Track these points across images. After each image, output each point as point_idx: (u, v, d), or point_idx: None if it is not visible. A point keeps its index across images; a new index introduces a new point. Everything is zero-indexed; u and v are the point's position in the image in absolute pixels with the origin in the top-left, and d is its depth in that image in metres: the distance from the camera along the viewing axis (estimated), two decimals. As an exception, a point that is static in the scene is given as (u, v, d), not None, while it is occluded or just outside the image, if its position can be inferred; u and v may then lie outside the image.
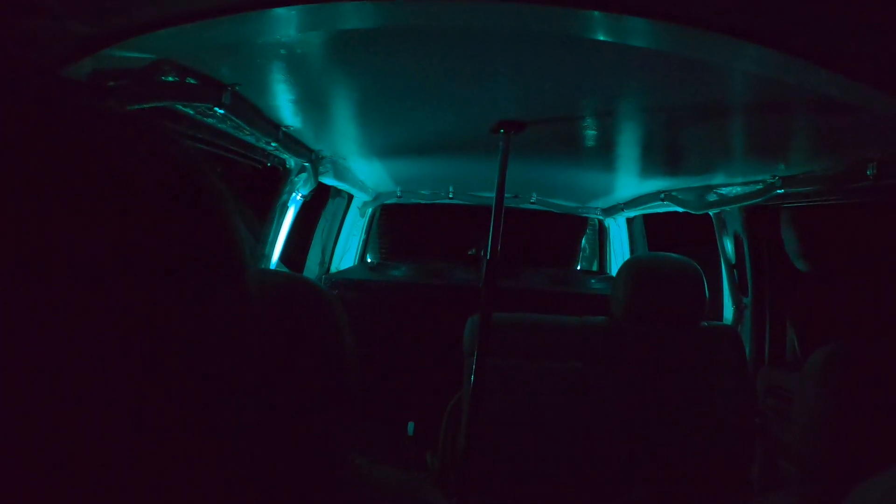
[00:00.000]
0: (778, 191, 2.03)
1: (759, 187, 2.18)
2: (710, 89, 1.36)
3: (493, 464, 2.04)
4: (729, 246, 2.68)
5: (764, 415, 2.39)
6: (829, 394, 1.17)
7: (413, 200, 3.80)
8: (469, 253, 3.31)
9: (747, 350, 2.46)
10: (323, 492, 0.50)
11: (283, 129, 1.81)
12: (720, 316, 2.79)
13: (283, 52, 1.16)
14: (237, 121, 1.43)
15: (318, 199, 3.34)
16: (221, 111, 1.32)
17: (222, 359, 0.38)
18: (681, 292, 2.18)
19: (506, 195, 1.94)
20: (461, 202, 3.74)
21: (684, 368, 2.21)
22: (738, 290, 2.66)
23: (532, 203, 3.75)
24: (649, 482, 2.12)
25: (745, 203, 2.32)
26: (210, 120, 1.43)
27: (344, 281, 2.88)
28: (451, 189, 3.57)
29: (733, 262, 2.67)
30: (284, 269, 3.23)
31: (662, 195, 2.90)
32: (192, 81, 1.20)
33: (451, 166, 2.88)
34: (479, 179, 3.16)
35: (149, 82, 1.06)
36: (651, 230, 3.95)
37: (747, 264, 2.58)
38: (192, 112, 1.34)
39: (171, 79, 1.13)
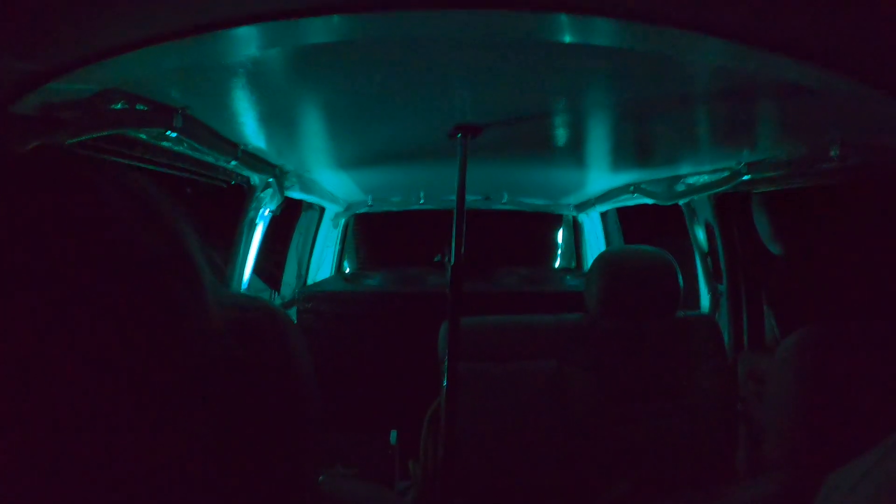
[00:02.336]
0: (744, 177, 2.03)
1: (725, 174, 2.18)
2: (671, 82, 1.35)
3: (474, 468, 2.02)
4: (701, 235, 2.69)
5: (745, 400, 2.40)
6: (800, 378, 1.17)
7: (384, 208, 3.78)
8: (435, 259, 3.27)
9: (725, 337, 2.47)
10: None
11: (242, 147, 1.77)
12: (697, 305, 2.80)
13: (234, 72, 1.13)
14: (192, 143, 1.39)
15: (292, 214, 3.31)
16: (174, 134, 1.29)
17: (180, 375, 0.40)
18: (655, 284, 2.17)
19: (477, 197, 1.93)
20: (432, 207, 3.73)
21: (662, 360, 2.20)
22: (713, 278, 2.67)
23: (504, 203, 3.74)
24: (632, 478, 2.11)
25: (713, 191, 2.32)
26: (165, 143, 1.39)
27: (319, 294, 2.84)
28: (421, 195, 3.55)
29: (706, 250, 2.68)
30: (260, 284, 3.19)
31: (632, 188, 2.91)
32: (142, 108, 1.16)
33: (418, 172, 2.86)
34: (448, 183, 3.13)
35: (97, 112, 1.03)
36: (628, 221, 3.96)
37: (720, 252, 2.59)
38: (145, 137, 1.30)
39: (119, 106, 1.09)
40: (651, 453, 2.12)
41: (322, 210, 3.53)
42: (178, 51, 0.95)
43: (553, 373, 2.12)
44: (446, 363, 1.82)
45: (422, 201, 3.66)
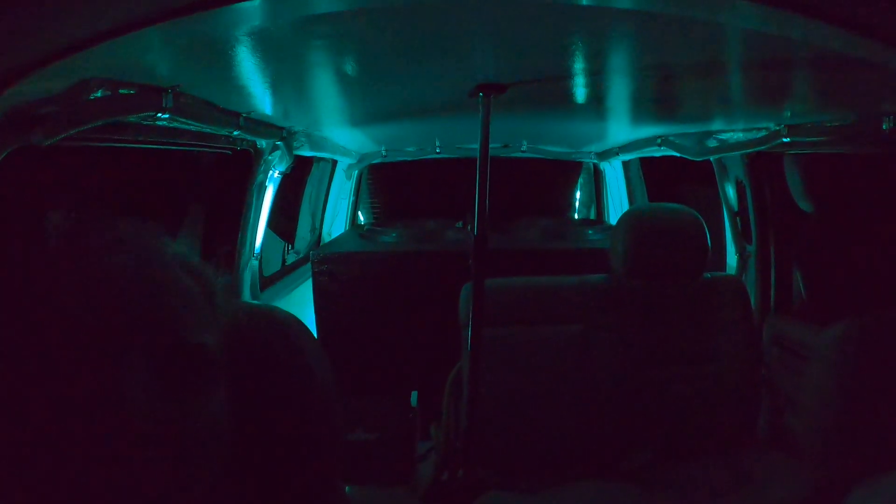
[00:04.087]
0: (784, 139, 1.90)
1: (762, 134, 2.04)
2: (707, 48, 1.24)
3: (497, 434, 1.99)
4: (731, 192, 2.56)
5: (770, 366, 2.33)
6: (840, 377, 1.10)
7: (399, 158, 3.66)
8: (457, 226, 3.18)
9: (752, 300, 2.39)
10: None
11: (245, 115, 1.67)
12: (723, 265, 2.70)
13: (236, 42, 1.02)
14: (187, 120, 1.30)
15: (303, 167, 3.22)
16: (166, 115, 1.19)
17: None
18: (683, 244, 2.08)
19: (495, 145, 1.84)
20: (448, 156, 3.60)
21: (688, 323, 2.13)
22: (742, 238, 2.56)
23: (523, 151, 3.61)
24: (657, 441, 2.08)
25: (749, 150, 2.19)
26: (160, 122, 1.29)
27: (334, 256, 2.76)
28: (437, 143, 3.43)
29: (736, 209, 2.56)
30: (276, 240, 3.13)
31: (659, 140, 2.76)
32: (127, 92, 1.06)
33: (435, 125, 2.74)
34: (465, 133, 3.03)
35: (76, 105, 0.93)
36: (647, 168, 3.82)
37: (750, 211, 2.47)
38: (133, 119, 1.20)
39: (101, 94, 1.00)
40: (674, 419, 2.09)
41: (334, 163, 3.43)
42: (168, 32, 0.85)
43: (578, 337, 2.07)
44: (469, 328, 1.77)
45: (438, 150, 3.54)
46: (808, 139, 1.81)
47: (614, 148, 3.45)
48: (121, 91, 1.06)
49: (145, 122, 1.24)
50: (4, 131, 0.82)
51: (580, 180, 4.32)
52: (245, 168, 2.05)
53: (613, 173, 3.91)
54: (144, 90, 1.12)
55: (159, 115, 1.17)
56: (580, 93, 1.81)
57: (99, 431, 0.38)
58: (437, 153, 3.56)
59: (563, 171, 4.22)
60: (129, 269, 0.45)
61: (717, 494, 1.89)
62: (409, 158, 3.69)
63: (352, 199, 3.89)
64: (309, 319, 2.97)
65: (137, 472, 0.38)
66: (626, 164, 3.78)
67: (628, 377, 2.07)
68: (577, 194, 4.35)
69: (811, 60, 1.22)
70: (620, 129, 2.76)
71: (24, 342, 0.40)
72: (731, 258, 2.66)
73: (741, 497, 1.85)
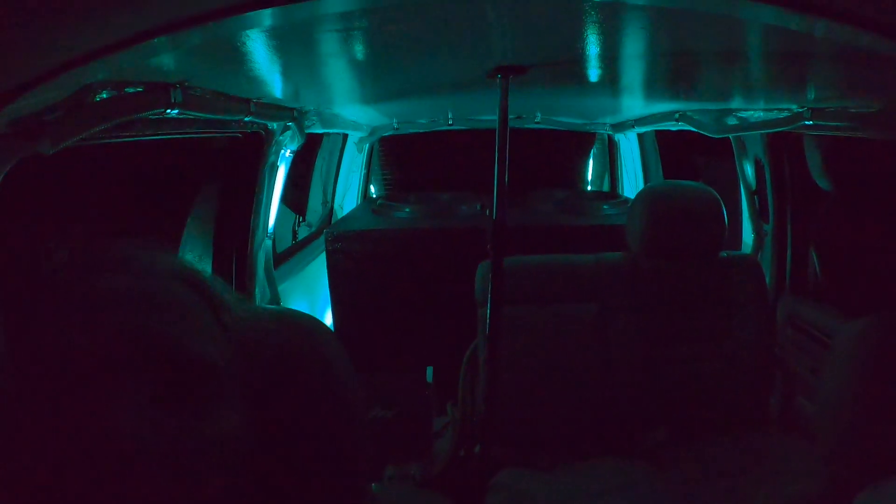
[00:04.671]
0: (807, 122, 1.85)
1: (784, 115, 1.99)
2: (729, 35, 1.20)
3: (514, 413, 2.01)
4: (749, 171, 2.51)
5: (783, 347, 2.32)
6: (858, 374, 1.08)
7: (411, 131, 3.61)
8: (476, 209, 3.15)
9: (767, 279, 2.36)
10: None
11: (255, 101, 1.64)
12: (738, 244, 2.67)
13: (246, 38, 1.00)
14: (196, 113, 1.27)
15: (313, 139, 3.18)
16: (175, 111, 1.17)
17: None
18: (700, 224, 2.06)
19: (509, 117, 1.82)
20: (461, 127, 3.56)
21: (703, 302, 2.13)
22: (759, 217, 2.52)
23: (537, 123, 3.55)
24: (671, 421, 2.08)
25: (770, 130, 2.14)
26: (169, 114, 1.27)
27: (347, 234, 2.74)
28: (449, 115, 3.38)
29: (753, 187, 2.51)
30: (288, 213, 3.11)
31: (677, 115, 2.70)
32: (133, 90, 1.04)
33: (448, 99, 2.70)
34: (478, 106, 2.98)
35: (81, 109, 0.91)
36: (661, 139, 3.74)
37: (769, 190, 2.43)
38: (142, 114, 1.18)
39: (106, 95, 0.98)
40: (688, 398, 2.10)
41: (345, 136, 3.39)
42: (175, 39, 0.82)
43: (593, 316, 2.07)
44: (488, 307, 1.77)
45: (450, 122, 3.49)
46: (831, 123, 1.76)
47: (630, 120, 3.38)
48: (127, 90, 1.04)
49: (153, 117, 1.22)
50: (9, 143, 0.80)
51: (593, 151, 4.25)
52: (256, 150, 2.03)
53: (628, 145, 3.85)
54: (151, 87, 1.10)
55: (168, 111, 1.15)
56: (598, 73, 1.77)
57: (97, 455, 0.38)
58: (450, 125, 3.52)
59: (577, 142, 4.15)
60: (124, 286, 0.45)
61: (728, 474, 1.90)
62: (421, 131, 3.64)
63: (363, 171, 3.85)
64: (323, 296, 2.98)
65: (140, 494, 0.38)
66: (641, 136, 3.71)
67: (643, 356, 2.07)
68: (591, 165, 4.29)
69: (836, 53, 1.18)
70: (637, 103, 2.70)
71: (21, 354, 0.41)
72: (748, 236, 2.62)
73: (753, 478, 1.87)
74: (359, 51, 1.29)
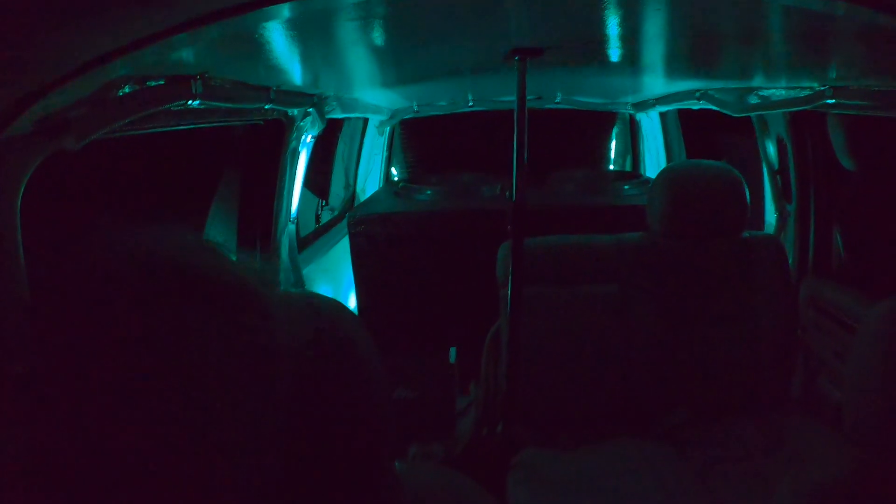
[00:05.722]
0: (828, 100, 1.82)
1: (806, 93, 1.96)
2: (751, 11, 1.19)
3: (535, 392, 2.02)
4: (772, 150, 2.48)
5: (805, 328, 2.30)
6: (885, 357, 1.08)
7: (431, 113, 3.61)
8: (497, 190, 3.16)
9: (790, 260, 2.34)
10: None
11: (275, 88, 1.67)
12: (761, 224, 2.64)
13: (266, 29, 1.02)
14: (217, 103, 1.30)
15: (334, 123, 3.20)
16: (196, 102, 1.20)
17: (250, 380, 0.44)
18: (722, 204, 2.05)
19: (529, 97, 1.82)
20: (481, 108, 3.55)
21: (725, 283, 2.12)
22: (782, 197, 2.49)
23: (557, 103, 3.53)
24: (692, 402, 2.09)
25: (791, 109, 2.11)
26: (191, 105, 1.30)
27: (371, 216, 2.77)
28: (469, 97, 3.38)
29: (776, 167, 2.48)
30: (311, 197, 3.15)
31: (699, 94, 2.67)
32: (155, 84, 1.07)
33: (467, 81, 2.70)
34: (498, 87, 2.97)
35: (104, 104, 0.95)
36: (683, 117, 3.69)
37: (791, 169, 2.40)
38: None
39: (128, 89, 1.01)
40: (709, 379, 2.09)
41: (365, 119, 3.41)
42: (196, 34, 0.85)
43: (615, 297, 2.08)
44: (509, 288, 1.78)
45: (470, 104, 3.48)
46: (853, 102, 1.73)
47: (651, 99, 3.34)
48: (149, 84, 1.07)
49: (175, 109, 1.25)
50: (35, 141, 0.83)
51: (615, 130, 4.22)
52: (278, 137, 2.06)
53: (650, 124, 3.81)
54: (173, 80, 1.13)
55: (189, 102, 1.18)
56: (617, 53, 1.76)
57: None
58: (470, 107, 3.51)
59: (598, 122, 4.12)
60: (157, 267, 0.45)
61: (750, 456, 1.91)
62: (442, 113, 3.64)
63: (384, 154, 3.87)
64: (347, 279, 3.02)
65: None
66: (663, 115, 3.67)
67: (664, 336, 2.07)
68: (612, 145, 4.25)
69: (857, 31, 1.16)
70: (658, 81, 2.68)
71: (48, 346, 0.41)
72: (770, 216, 2.60)
73: (775, 460, 1.87)
74: (377, 36, 1.30)
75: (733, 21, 1.25)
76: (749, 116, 2.54)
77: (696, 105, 2.84)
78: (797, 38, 1.35)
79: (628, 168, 4.19)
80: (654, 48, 1.71)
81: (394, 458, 0.57)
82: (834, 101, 1.80)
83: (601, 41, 1.52)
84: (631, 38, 1.51)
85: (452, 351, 2.68)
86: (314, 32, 1.16)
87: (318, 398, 0.49)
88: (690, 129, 3.69)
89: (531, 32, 1.47)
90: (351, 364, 0.52)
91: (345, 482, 0.50)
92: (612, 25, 1.34)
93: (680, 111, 3.58)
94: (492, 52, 1.67)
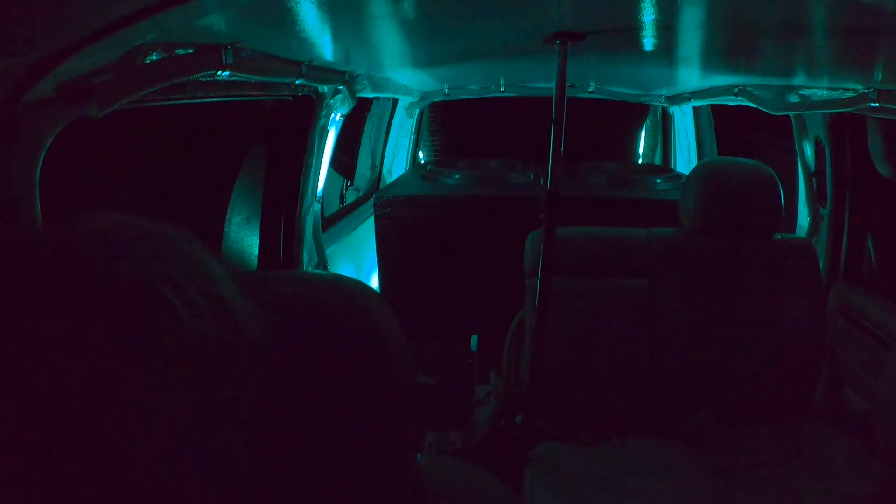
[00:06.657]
0: (871, 103, 1.76)
1: (848, 95, 1.90)
2: (793, 11, 1.15)
3: (557, 385, 2.01)
4: (809, 151, 2.41)
5: (832, 336, 2.25)
6: None
7: (462, 97, 3.58)
8: (529, 177, 3.12)
9: (821, 264, 2.29)
10: (385, 494, 0.51)
11: (307, 63, 1.65)
12: (793, 226, 2.58)
13: (300, 1, 1.00)
14: (247, 76, 1.29)
15: (363, 103, 3.19)
16: (226, 73, 1.19)
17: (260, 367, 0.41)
18: (756, 203, 2.00)
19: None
20: (512, 94, 3.51)
21: (754, 285, 2.08)
22: (816, 200, 2.43)
23: (590, 92, 3.48)
24: (714, 404, 2.05)
25: (834, 111, 2.04)
26: (220, 76, 1.29)
27: (398, 199, 2.75)
28: (501, 82, 3.33)
29: (812, 169, 2.41)
30: (337, 177, 3.14)
31: (736, 90, 2.61)
32: (183, 52, 1.06)
33: (501, 65, 2.66)
34: (531, 73, 2.93)
35: (131, 71, 0.94)
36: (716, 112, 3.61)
37: (828, 173, 2.33)
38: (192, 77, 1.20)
39: (156, 57, 1.00)
40: (732, 381, 2.06)
41: (395, 100, 3.38)
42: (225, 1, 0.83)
43: (643, 292, 2.05)
44: (539, 278, 1.77)
45: (502, 89, 3.44)
46: (898, 106, 1.67)
47: (686, 93, 3.28)
48: (177, 52, 1.06)
49: (204, 79, 1.24)
50: (56, 107, 0.82)
51: (646, 123, 4.14)
52: (307, 113, 2.05)
53: (683, 118, 3.74)
54: (202, 49, 1.11)
55: (219, 73, 1.17)
56: (657, 42, 1.71)
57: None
58: (501, 92, 3.47)
59: (631, 114, 4.05)
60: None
61: (770, 463, 1.88)
62: (473, 97, 3.60)
63: (412, 136, 3.85)
64: (369, 260, 3.01)
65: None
66: (696, 110, 3.60)
67: (690, 335, 2.04)
68: (643, 137, 4.18)
69: None
70: (694, 75, 2.62)
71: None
72: (803, 219, 2.53)
73: (794, 468, 1.84)
74: (411, 11, 1.27)
75: (776, 13, 1.20)
76: (785, 116, 2.48)
77: (732, 101, 2.78)
78: (843, 34, 1.30)
79: (657, 162, 4.12)
80: (693, 39, 1.67)
81: (416, 448, 0.55)
82: (878, 104, 1.74)
83: (642, 28, 1.48)
84: (673, 27, 1.46)
85: (474, 339, 2.66)
86: (347, 5, 1.14)
87: (338, 381, 0.48)
88: (718, 125, 3.62)
89: (574, 15, 1.43)
90: (374, 346, 0.51)
91: (367, 470, 0.49)
92: (657, 12, 1.30)
93: (712, 107, 3.51)
94: (531, 34, 1.63)
